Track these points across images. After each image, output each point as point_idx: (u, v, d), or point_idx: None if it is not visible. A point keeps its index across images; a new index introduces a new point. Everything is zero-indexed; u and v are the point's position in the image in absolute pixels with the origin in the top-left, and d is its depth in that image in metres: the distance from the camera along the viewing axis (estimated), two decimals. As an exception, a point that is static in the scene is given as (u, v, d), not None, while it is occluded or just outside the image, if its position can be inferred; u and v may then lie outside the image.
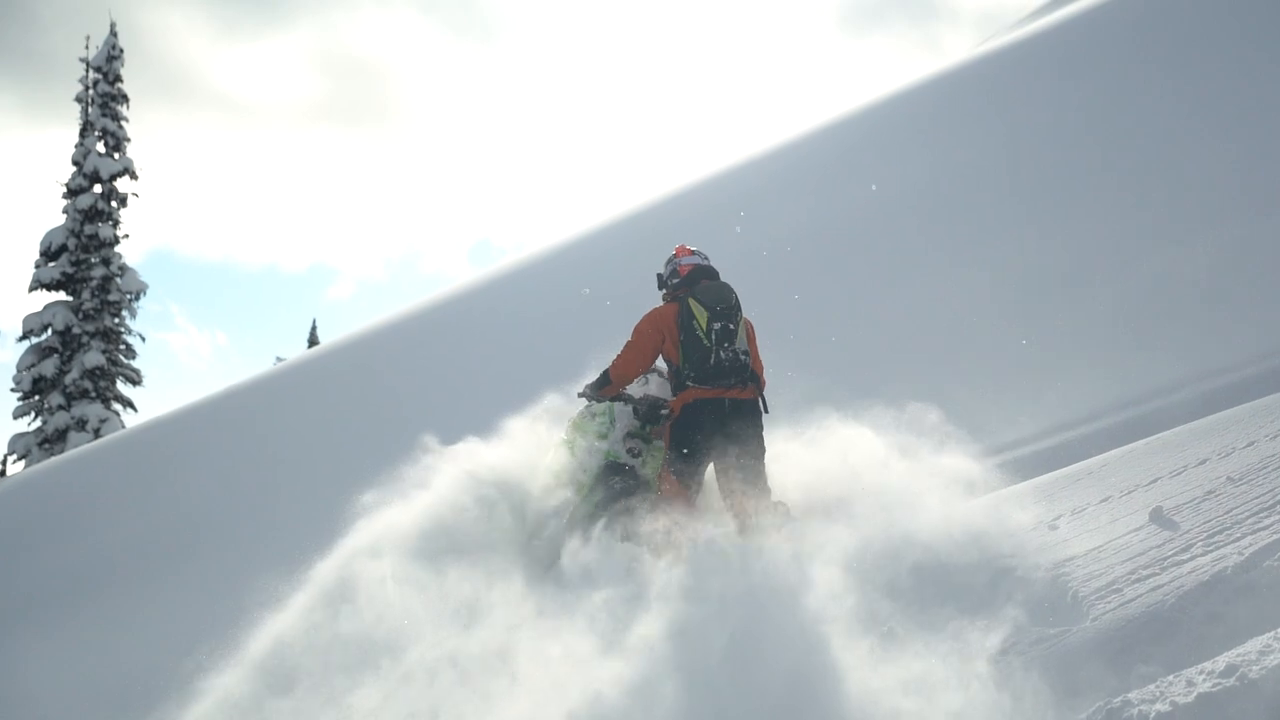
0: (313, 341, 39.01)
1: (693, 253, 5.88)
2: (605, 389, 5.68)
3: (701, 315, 5.49)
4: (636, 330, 5.60)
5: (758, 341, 5.76)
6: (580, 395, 5.78)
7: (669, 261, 5.88)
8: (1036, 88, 11.19)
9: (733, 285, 5.61)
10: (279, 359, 31.22)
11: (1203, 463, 4.35)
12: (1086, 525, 4.12)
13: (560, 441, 5.93)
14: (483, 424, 7.40)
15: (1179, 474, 4.32)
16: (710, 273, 5.73)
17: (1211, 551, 3.45)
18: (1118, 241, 8.70)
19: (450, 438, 7.57)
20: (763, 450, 5.46)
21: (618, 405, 5.76)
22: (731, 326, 5.45)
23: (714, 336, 5.45)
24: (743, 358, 5.44)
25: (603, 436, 5.72)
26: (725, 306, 5.48)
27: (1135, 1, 11.93)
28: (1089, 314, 8.36)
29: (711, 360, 5.40)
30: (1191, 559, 3.44)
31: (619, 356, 5.62)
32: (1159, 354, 7.41)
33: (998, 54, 12.95)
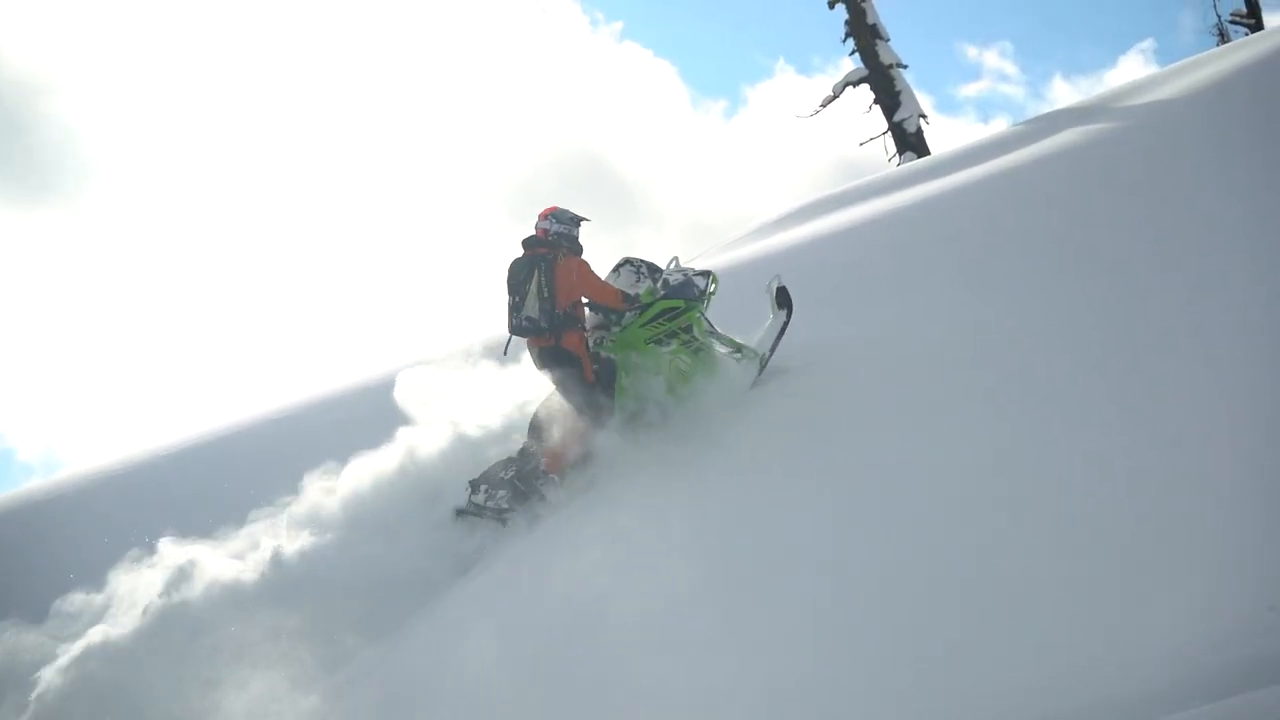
0: None
1: (546, 217, 6.83)
2: None
3: (506, 286, 6.78)
4: None
5: (590, 275, 6.74)
6: None
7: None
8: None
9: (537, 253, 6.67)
10: None
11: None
12: None
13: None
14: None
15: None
16: (532, 242, 6.79)
17: None
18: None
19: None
20: (574, 386, 6.63)
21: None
22: (518, 299, 6.67)
23: (509, 306, 6.74)
24: (525, 323, 6.63)
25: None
26: (515, 283, 6.71)
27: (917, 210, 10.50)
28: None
29: (509, 323, 6.77)
30: None
31: None
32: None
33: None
